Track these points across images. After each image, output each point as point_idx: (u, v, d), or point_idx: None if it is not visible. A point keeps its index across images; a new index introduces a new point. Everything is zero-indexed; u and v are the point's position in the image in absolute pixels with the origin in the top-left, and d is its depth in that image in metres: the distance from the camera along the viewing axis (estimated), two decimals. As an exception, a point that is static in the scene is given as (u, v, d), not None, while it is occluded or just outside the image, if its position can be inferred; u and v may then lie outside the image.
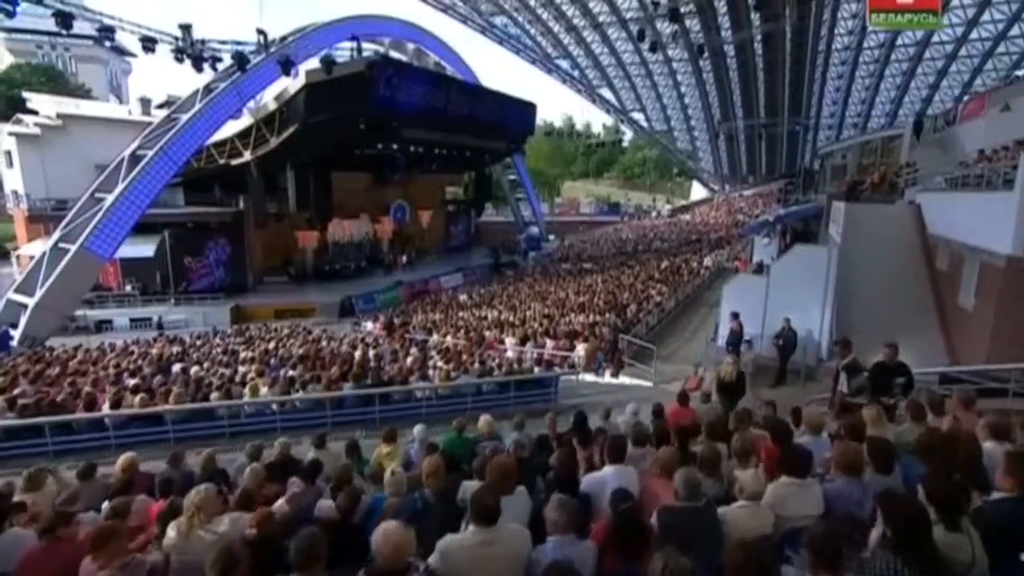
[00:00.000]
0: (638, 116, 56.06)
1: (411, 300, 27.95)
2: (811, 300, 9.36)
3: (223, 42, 15.60)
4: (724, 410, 5.40)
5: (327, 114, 23.17)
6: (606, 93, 52.44)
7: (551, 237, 53.83)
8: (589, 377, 11.02)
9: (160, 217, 26.66)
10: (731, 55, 39.09)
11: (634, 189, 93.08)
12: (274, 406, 7.17)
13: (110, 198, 19.23)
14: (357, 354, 11.03)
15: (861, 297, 9.48)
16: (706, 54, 35.71)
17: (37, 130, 27.87)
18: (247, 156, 25.71)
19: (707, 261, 24.13)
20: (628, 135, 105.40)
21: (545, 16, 40.57)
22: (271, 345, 13.86)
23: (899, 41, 34.18)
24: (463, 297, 26.01)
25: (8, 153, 28.23)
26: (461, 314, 19.88)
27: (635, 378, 10.33)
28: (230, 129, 26.12)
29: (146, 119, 29.64)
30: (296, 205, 26.36)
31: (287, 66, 18.78)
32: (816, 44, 34.34)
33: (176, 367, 11.29)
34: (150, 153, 20.11)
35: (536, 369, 11.35)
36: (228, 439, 6.94)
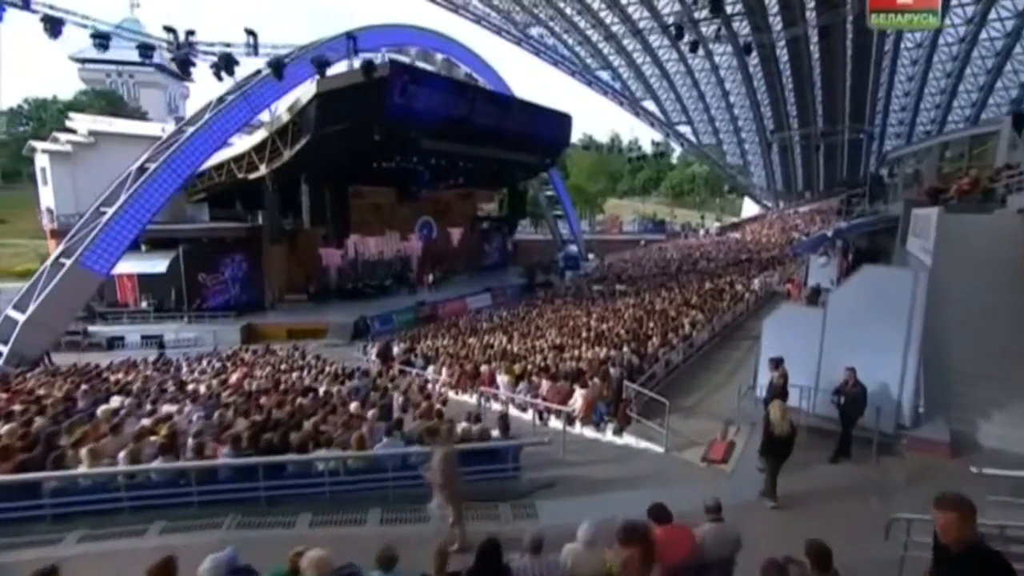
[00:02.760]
0: (684, 129, 53.06)
1: (426, 322, 26.17)
2: (887, 341, 6.75)
3: (211, 44, 14.41)
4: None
5: (339, 124, 21.97)
6: (650, 106, 49.92)
7: (590, 256, 51.54)
8: (589, 432, 8.70)
9: (175, 232, 26.31)
10: (784, 59, 35.89)
11: (682, 207, 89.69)
12: (120, 478, 5.30)
13: (109, 212, 18.45)
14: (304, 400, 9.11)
15: (963, 337, 6.81)
16: (755, 54, 32.69)
17: (69, 147, 28.12)
18: (263, 170, 24.88)
19: (755, 283, 21.20)
20: (676, 151, 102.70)
21: (582, 24, 38.63)
22: (235, 375, 12.20)
23: (983, 35, 30.09)
24: (484, 322, 24.04)
25: (43, 170, 28.61)
26: (471, 340, 17.84)
27: (643, 439, 7.94)
28: (248, 142, 25.48)
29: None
30: (311, 221, 25.16)
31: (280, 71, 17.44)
32: (882, 42, 30.79)
33: (115, 400, 9.75)
34: (154, 166, 19.33)
35: (527, 415, 9.18)
36: (50, 523, 5.10)
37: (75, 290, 17.94)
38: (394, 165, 26.25)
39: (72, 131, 30.00)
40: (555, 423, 9.34)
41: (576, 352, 12.11)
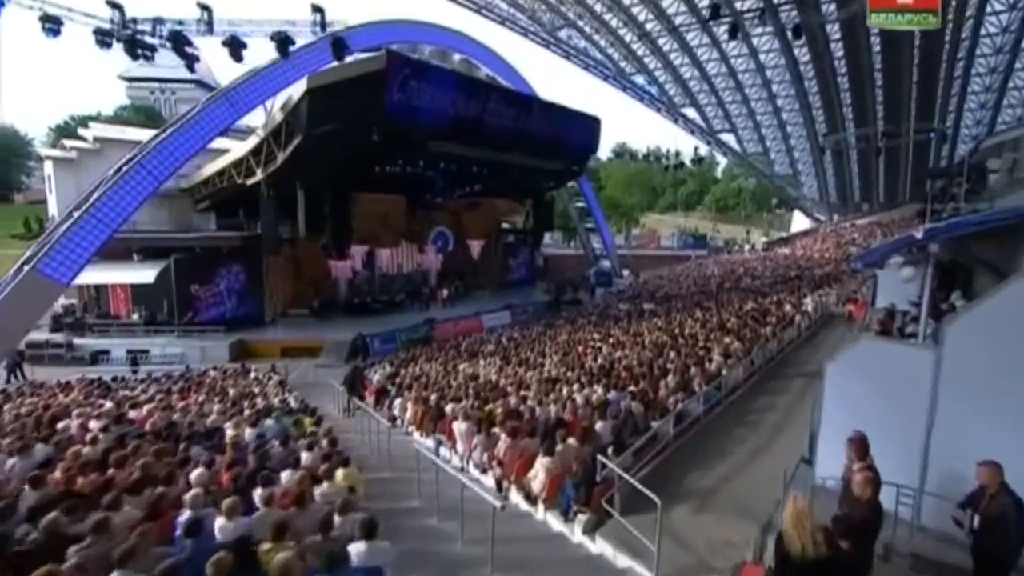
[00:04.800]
0: (727, 137, 49.34)
1: (430, 342, 23.73)
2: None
3: (161, 21, 12.54)
4: None
5: (333, 124, 19.90)
6: (690, 112, 46.61)
7: (625, 272, 48.41)
8: (554, 521, 5.86)
9: (170, 241, 24.95)
10: (839, 53, 32.06)
11: (727, 222, 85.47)
12: None
13: (75, 216, 16.88)
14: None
15: None
16: (805, 50, 29.06)
17: (74, 154, 27.36)
18: (259, 175, 23.16)
19: (807, 303, 17.64)
20: (721, 163, 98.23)
21: (614, 23, 35.90)
22: (147, 408, 9.92)
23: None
24: (491, 343, 21.38)
25: (48, 178, 27.96)
26: (463, 367, 15.22)
27: (626, 550, 5.04)
28: (246, 145, 23.93)
29: None
30: (307, 229, 23.20)
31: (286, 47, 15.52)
32: (958, 28, 26.75)
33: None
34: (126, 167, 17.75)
35: (489, 478, 6.47)
36: None
37: (31, 300, 16.29)
38: (399, 170, 24.11)
39: (83, 139, 29.40)
40: (518, 497, 6.56)
41: (568, 390, 9.26)
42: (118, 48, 12.62)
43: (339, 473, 6.12)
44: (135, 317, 24.16)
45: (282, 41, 14.29)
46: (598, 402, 8.09)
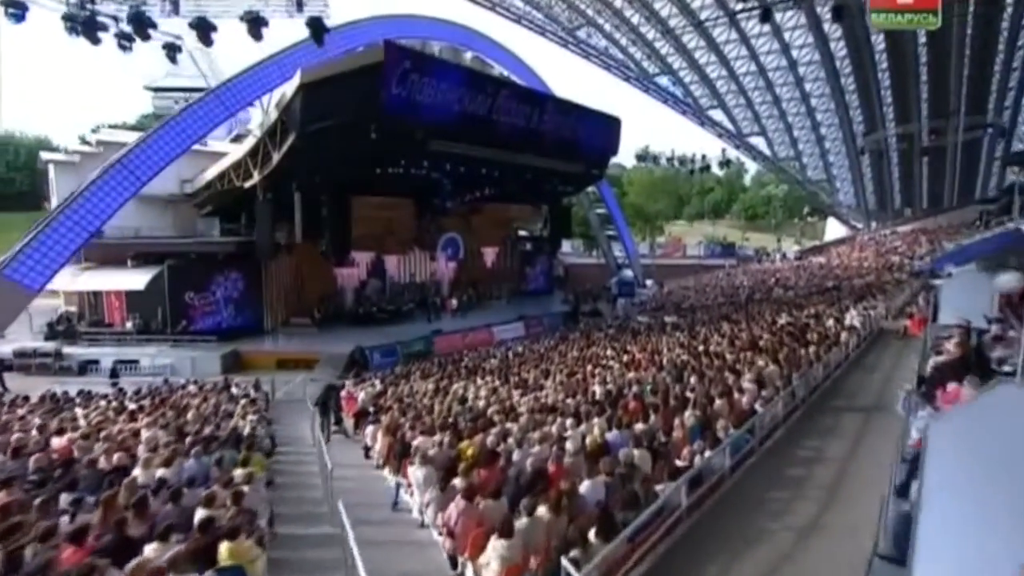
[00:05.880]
0: (757, 141, 46.88)
1: (420, 358, 22.20)
2: None
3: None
4: None
5: (328, 120, 18.60)
6: (717, 115, 44.38)
7: (648, 282, 46.38)
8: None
9: (166, 246, 24.04)
10: (880, 45, 29.58)
11: (757, 231, 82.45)
12: None
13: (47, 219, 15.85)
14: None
15: None
16: (840, 36, 26.69)
17: (76, 158, 26.74)
18: (256, 177, 22.04)
19: (851, 317, 15.40)
20: (750, 171, 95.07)
21: (635, 19, 34.05)
22: (67, 436, 8.49)
23: None
24: (495, 358, 19.67)
25: (51, 181, 27.39)
26: (456, 387, 13.55)
27: None
28: (245, 146, 22.90)
29: (204, 149, 27.72)
30: (303, 233, 21.92)
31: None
32: (1019, 14, 24.17)
33: None
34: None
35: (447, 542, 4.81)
36: None
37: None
38: (402, 171, 22.68)
39: (89, 143, 28.91)
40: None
41: (561, 425, 7.45)
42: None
43: (222, 550, 4.47)
44: (129, 325, 23.17)
45: (253, 22, 12.93)
46: (593, 445, 6.29)
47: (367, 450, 10.25)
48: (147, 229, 25.36)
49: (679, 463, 5.48)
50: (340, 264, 24.91)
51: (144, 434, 9.06)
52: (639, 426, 6.96)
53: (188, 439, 8.29)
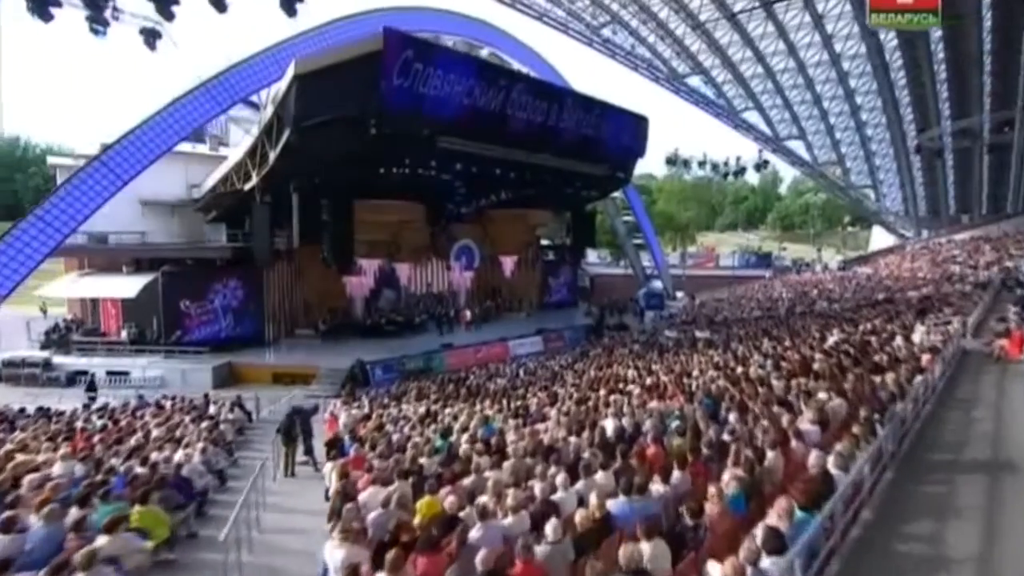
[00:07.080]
0: (795, 144, 43.99)
1: (419, 375, 20.48)
2: None
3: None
4: None
5: (325, 115, 17.07)
6: (753, 117, 41.79)
7: (679, 294, 43.92)
8: None
9: (162, 251, 22.95)
10: (936, 33, 26.73)
11: (794, 241, 78.69)
12: None
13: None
14: None
15: None
16: (891, 35, 24.08)
17: (81, 162, 26.00)
18: (254, 179, 20.72)
19: (919, 335, 12.85)
20: (786, 179, 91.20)
21: (663, 14, 31.98)
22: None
23: None
24: (503, 377, 17.76)
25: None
26: (449, 412, 11.64)
27: None
28: (244, 146, 21.65)
29: (211, 153, 26.88)
30: (300, 239, 20.48)
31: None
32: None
33: None
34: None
35: None
36: None
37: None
38: (407, 172, 21.06)
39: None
40: None
41: (552, 481, 5.45)
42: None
43: None
44: (124, 335, 22.09)
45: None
46: (586, 523, 4.27)
47: (327, 493, 8.39)
48: (152, 235, 24.36)
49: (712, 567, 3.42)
50: (344, 272, 23.33)
51: (56, 468, 7.43)
52: (657, 488, 4.90)
53: (84, 483, 6.56)
